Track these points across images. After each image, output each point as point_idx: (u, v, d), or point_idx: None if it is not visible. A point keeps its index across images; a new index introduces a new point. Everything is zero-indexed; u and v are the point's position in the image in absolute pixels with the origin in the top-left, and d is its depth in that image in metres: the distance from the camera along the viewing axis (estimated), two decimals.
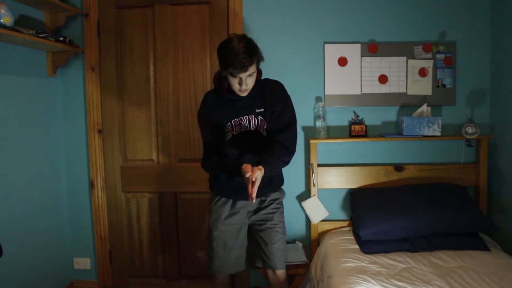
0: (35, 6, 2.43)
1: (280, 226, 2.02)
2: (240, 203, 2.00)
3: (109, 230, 2.76)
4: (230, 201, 2.01)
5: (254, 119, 1.92)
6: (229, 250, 1.99)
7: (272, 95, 1.94)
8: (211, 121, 1.95)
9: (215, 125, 1.95)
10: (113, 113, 2.70)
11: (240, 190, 1.92)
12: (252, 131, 1.92)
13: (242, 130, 1.93)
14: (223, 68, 1.79)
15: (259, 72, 1.96)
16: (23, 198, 2.37)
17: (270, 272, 2.05)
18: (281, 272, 2.03)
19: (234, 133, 1.93)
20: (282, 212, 2.08)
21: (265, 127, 1.93)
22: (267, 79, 2.02)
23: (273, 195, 2.04)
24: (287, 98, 1.99)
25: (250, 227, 2.07)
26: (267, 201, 2.02)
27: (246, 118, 1.92)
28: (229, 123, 1.93)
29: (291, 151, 1.91)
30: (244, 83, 1.79)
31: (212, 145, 1.94)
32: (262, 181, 1.88)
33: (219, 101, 1.95)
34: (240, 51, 1.71)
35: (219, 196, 2.03)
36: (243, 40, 1.76)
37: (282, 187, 2.14)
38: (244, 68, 1.73)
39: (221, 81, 1.92)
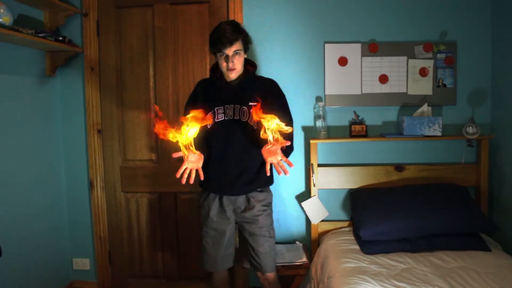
0: (35, 5, 2.42)
1: (266, 229, 2.02)
2: (226, 200, 2.01)
3: (108, 230, 2.75)
4: (217, 197, 2.02)
5: (242, 109, 1.93)
6: (216, 247, 2.02)
7: (269, 94, 1.95)
8: (195, 107, 1.93)
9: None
10: (112, 113, 2.70)
11: (224, 185, 1.98)
12: (236, 120, 1.93)
13: (226, 118, 1.94)
14: (211, 47, 1.88)
15: (252, 65, 2.01)
16: (22, 198, 2.36)
17: (259, 274, 2.08)
18: (270, 275, 2.05)
19: (216, 121, 1.94)
20: (269, 215, 2.07)
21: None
22: (261, 76, 2.09)
23: (258, 196, 2.02)
24: (284, 97, 2.05)
25: (241, 225, 2.08)
26: (251, 202, 2.01)
27: (231, 106, 1.94)
28: (211, 111, 1.94)
29: (292, 147, 1.95)
30: (230, 61, 1.85)
31: None
32: (245, 175, 1.95)
33: (209, 88, 2.01)
34: (226, 29, 1.83)
35: (207, 192, 2.05)
36: (231, 23, 1.89)
37: (271, 187, 2.13)
38: (229, 43, 1.81)
39: (215, 71, 2.00)
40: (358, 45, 2.52)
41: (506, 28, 2.35)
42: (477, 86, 2.52)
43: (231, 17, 2.54)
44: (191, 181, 1.73)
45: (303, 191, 2.62)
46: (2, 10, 1.98)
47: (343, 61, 2.52)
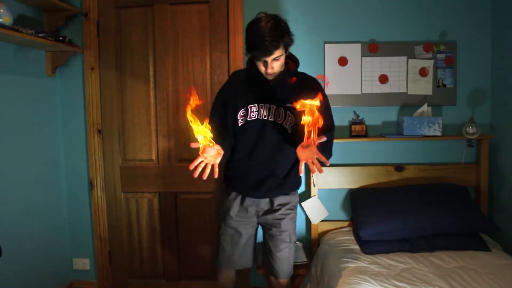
0: (35, 5, 2.42)
1: (287, 234, 1.92)
2: (248, 201, 1.92)
3: (108, 230, 2.75)
4: (240, 197, 1.93)
5: (278, 110, 1.78)
6: (234, 246, 1.94)
7: (310, 95, 1.63)
8: (225, 102, 1.84)
9: (226, 108, 1.83)
10: (112, 113, 2.70)
11: (247, 187, 1.89)
12: (270, 121, 1.79)
13: (259, 117, 1.79)
14: (247, 50, 1.68)
15: (294, 61, 1.84)
16: (22, 198, 2.36)
17: (272, 279, 2.00)
18: (283, 281, 1.97)
19: (248, 119, 1.80)
20: (293, 219, 1.96)
21: (293, 124, 1.78)
22: (304, 74, 1.89)
23: (281, 199, 1.92)
24: (326, 99, 1.83)
25: (263, 227, 2.01)
26: (275, 205, 1.91)
27: (267, 106, 1.79)
28: (244, 108, 1.80)
29: (330, 153, 1.80)
30: (269, 67, 1.67)
31: (213, 125, 1.79)
32: (271, 180, 1.85)
33: (245, 82, 1.84)
34: (265, 34, 1.59)
35: (230, 190, 1.96)
36: (271, 21, 1.63)
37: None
38: (268, 53, 1.62)
39: (252, 63, 1.80)
40: (358, 45, 2.52)
41: (506, 28, 2.35)
42: (477, 86, 2.52)
43: (231, 17, 2.54)
44: (204, 176, 1.58)
45: (303, 191, 2.62)
46: (2, 10, 1.98)
47: (343, 61, 2.52)
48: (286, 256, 1.94)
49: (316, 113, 1.49)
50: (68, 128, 2.73)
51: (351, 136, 2.51)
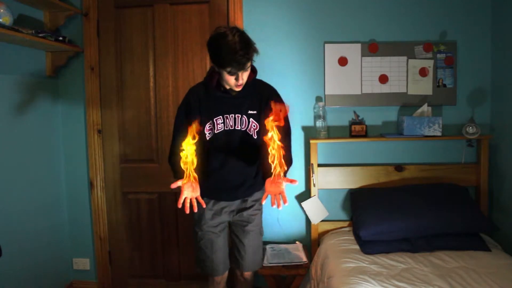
0: (35, 5, 2.42)
1: (259, 227, 2.04)
2: (222, 204, 1.98)
3: (108, 230, 2.75)
4: (212, 201, 1.97)
5: (242, 119, 1.85)
6: (216, 251, 1.98)
7: (268, 101, 1.77)
8: (188, 119, 1.83)
9: (190, 123, 1.83)
10: (112, 113, 2.70)
11: (222, 191, 1.94)
12: (237, 130, 1.85)
13: (226, 129, 1.85)
14: (218, 66, 1.71)
15: (252, 71, 1.87)
16: (22, 198, 2.36)
17: (238, 273, 2.07)
18: (248, 274, 2.06)
19: (216, 132, 1.85)
20: (261, 213, 2.07)
21: (257, 130, 1.86)
22: (260, 81, 1.94)
23: (256, 195, 2.00)
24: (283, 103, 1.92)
25: (233, 224, 2.06)
26: (249, 202, 1.99)
27: (232, 116, 1.84)
28: (210, 121, 1.84)
29: (290, 161, 1.87)
30: (240, 79, 1.72)
31: (177, 148, 1.83)
32: (247, 182, 1.92)
33: (205, 97, 1.86)
34: (237, 48, 1.62)
35: (203, 195, 1.93)
36: (237, 34, 1.65)
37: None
38: (242, 66, 1.66)
39: (212, 76, 1.83)
40: (358, 45, 2.52)
41: (506, 28, 2.35)
42: (477, 86, 2.52)
43: (231, 17, 2.54)
44: (195, 209, 1.68)
45: (303, 191, 2.62)
46: (2, 10, 1.98)
47: (343, 61, 2.52)
48: (258, 251, 2.05)
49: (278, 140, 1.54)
50: (68, 128, 2.73)
51: (351, 136, 2.51)
